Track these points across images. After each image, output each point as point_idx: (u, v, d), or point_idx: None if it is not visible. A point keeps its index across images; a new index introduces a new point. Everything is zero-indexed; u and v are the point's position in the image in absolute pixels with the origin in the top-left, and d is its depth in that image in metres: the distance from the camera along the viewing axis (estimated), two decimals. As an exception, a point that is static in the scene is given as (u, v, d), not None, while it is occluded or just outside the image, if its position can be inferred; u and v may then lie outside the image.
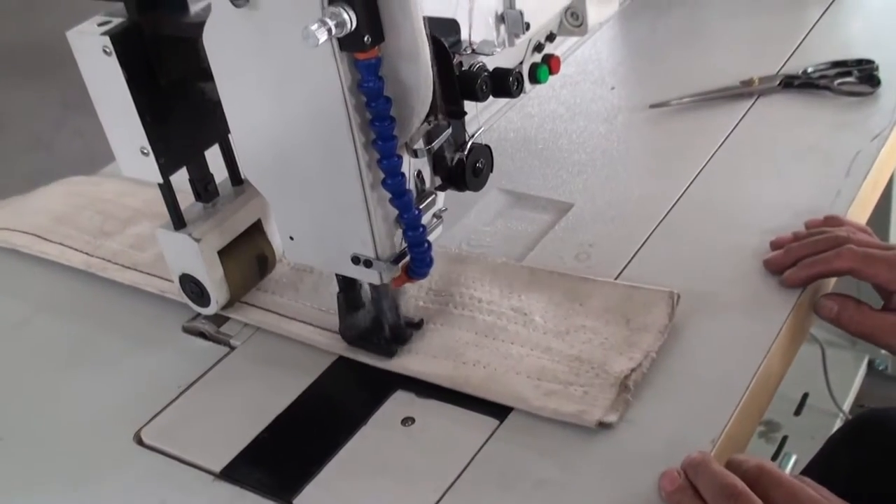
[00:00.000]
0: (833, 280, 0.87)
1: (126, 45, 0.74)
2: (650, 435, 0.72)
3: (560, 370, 0.77)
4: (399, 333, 0.81)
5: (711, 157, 1.02)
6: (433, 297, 0.86)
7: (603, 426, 0.72)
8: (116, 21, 0.74)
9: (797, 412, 1.67)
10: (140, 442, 0.78)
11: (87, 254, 0.99)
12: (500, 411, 0.75)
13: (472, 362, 0.79)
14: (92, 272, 0.97)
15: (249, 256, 0.88)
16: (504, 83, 0.75)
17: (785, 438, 1.62)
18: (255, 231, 0.88)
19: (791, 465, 1.51)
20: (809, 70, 1.12)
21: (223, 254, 0.85)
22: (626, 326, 0.80)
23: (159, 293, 0.92)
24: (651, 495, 0.67)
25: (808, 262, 0.82)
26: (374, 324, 0.81)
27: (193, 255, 0.83)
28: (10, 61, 3.21)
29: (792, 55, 1.18)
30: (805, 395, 1.67)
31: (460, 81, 0.72)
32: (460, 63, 0.74)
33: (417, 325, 0.83)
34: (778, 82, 1.11)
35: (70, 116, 2.72)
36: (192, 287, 0.86)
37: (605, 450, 0.71)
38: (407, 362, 0.80)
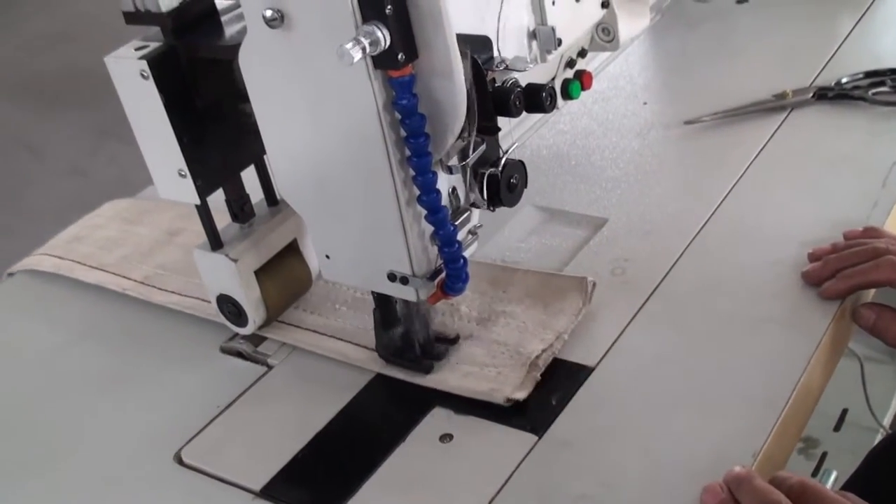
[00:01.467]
0: (872, 291, 0.86)
1: (163, 68, 0.75)
2: (691, 449, 0.71)
3: (479, 353, 0.81)
4: (430, 350, 0.82)
5: (746, 170, 1.01)
6: None
7: (510, 402, 0.76)
8: (153, 45, 0.75)
9: (836, 428, 1.64)
10: (180, 462, 0.79)
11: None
12: (538, 427, 0.75)
13: (349, 338, 0.84)
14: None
15: (286, 276, 0.88)
16: (537, 98, 0.75)
17: (825, 455, 1.60)
18: (291, 250, 0.89)
19: (832, 481, 1.49)
20: (843, 81, 1.11)
21: (260, 273, 0.86)
22: (544, 311, 0.84)
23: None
24: (693, 510, 0.66)
25: (846, 274, 0.82)
26: (406, 340, 0.82)
27: (230, 276, 0.84)
28: (48, 90, 3.27)
29: (825, 67, 1.17)
30: (844, 411, 1.65)
31: (494, 97, 0.72)
32: (493, 79, 0.74)
33: (453, 340, 0.83)
34: (811, 94, 1.11)
35: (106, 144, 2.75)
36: (230, 307, 0.86)
37: (645, 464, 0.70)
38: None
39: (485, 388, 0.78)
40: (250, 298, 0.85)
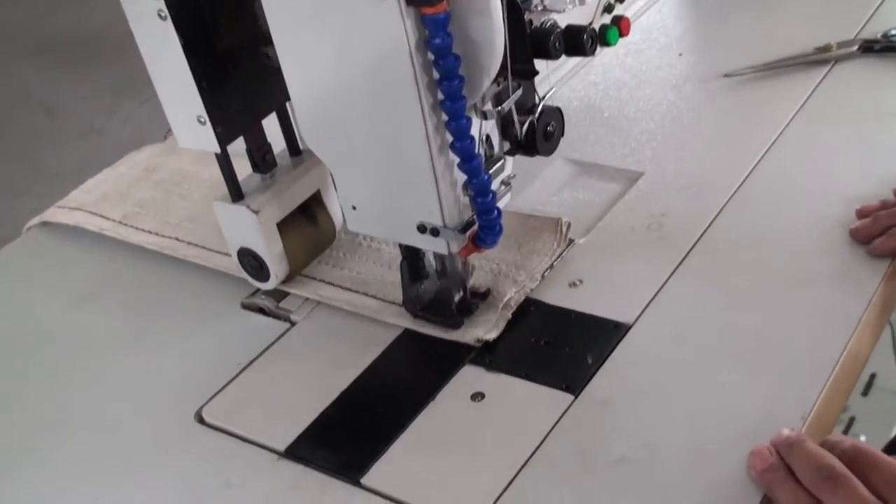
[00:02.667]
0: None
1: (181, 8, 0.71)
2: (736, 411, 0.68)
3: None
4: (465, 305, 0.78)
5: (788, 125, 0.97)
6: None
7: (480, 342, 0.76)
8: (172, -17, 0.72)
9: (865, 392, 1.61)
10: (201, 421, 0.76)
11: (173, 238, 0.96)
12: (573, 386, 0.71)
13: (375, 293, 0.82)
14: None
15: (309, 228, 0.85)
16: (578, 41, 0.71)
17: (852, 419, 1.57)
18: (315, 202, 0.85)
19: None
20: (890, 33, 1.07)
21: (282, 226, 0.82)
22: (518, 251, 0.84)
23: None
24: (741, 474, 0.63)
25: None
26: (439, 295, 0.78)
27: (252, 228, 0.81)
28: (62, 50, 3.23)
29: (870, 18, 1.12)
30: (873, 376, 1.61)
31: (532, 39, 0.68)
32: (530, 21, 0.70)
33: (484, 294, 0.80)
34: (856, 47, 1.06)
35: (121, 103, 2.72)
36: (251, 261, 0.83)
37: (687, 426, 0.67)
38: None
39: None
40: (272, 252, 0.82)
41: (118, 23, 0.74)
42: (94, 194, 1.05)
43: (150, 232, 0.97)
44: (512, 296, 0.79)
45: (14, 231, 1.08)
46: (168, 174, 1.06)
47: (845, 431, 1.54)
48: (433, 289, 0.78)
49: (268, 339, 0.82)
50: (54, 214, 1.03)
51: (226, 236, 0.84)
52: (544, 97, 0.72)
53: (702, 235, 0.85)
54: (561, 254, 0.84)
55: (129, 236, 0.97)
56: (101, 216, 1.01)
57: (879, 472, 0.60)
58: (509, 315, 0.78)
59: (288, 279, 0.85)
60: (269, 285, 0.84)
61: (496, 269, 0.82)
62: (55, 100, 2.95)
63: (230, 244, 0.84)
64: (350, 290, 0.84)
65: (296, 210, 0.84)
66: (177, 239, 0.95)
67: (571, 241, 0.86)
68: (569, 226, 0.86)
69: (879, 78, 1.02)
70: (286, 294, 0.86)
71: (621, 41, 0.85)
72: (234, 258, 0.84)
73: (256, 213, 0.80)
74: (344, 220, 0.77)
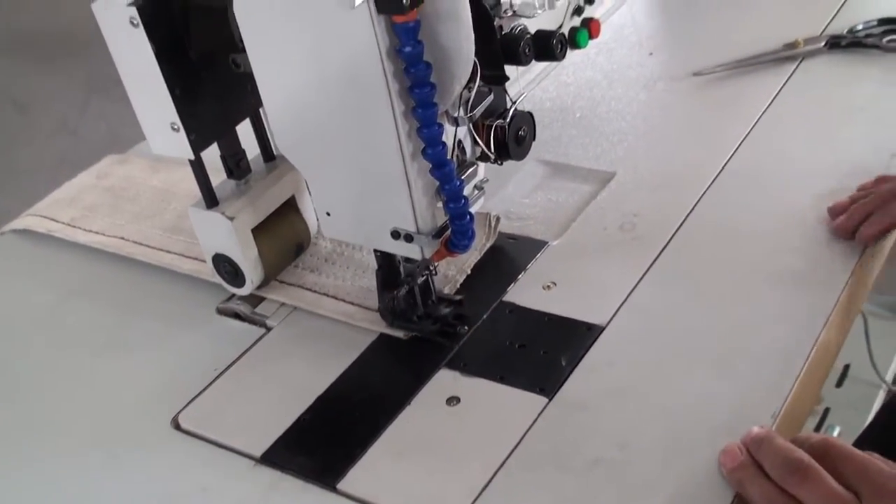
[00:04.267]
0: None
1: (154, 15, 0.71)
2: (708, 409, 0.69)
3: None
4: (433, 310, 0.79)
5: (757, 122, 0.98)
6: None
7: (409, 336, 0.79)
8: (143, -10, 0.72)
9: (839, 384, 1.63)
10: (178, 427, 0.76)
11: (119, 238, 0.97)
12: (548, 388, 0.72)
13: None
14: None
15: (284, 234, 0.85)
16: (548, 45, 0.71)
17: (827, 410, 1.58)
18: (290, 208, 0.85)
19: (835, 436, 1.47)
20: (856, 29, 1.08)
21: (257, 232, 0.83)
22: None
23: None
24: (714, 472, 0.64)
25: (875, 219, 0.81)
26: (410, 302, 0.79)
27: (227, 234, 0.81)
28: (35, 46, 3.20)
29: (836, 14, 1.14)
30: (846, 367, 1.63)
31: (502, 45, 0.69)
32: (500, 26, 0.71)
33: (458, 302, 0.80)
34: (823, 43, 1.07)
35: (94, 101, 2.70)
36: (226, 267, 0.83)
37: (661, 425, 0.68)
38: None
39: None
40: (247, 258, 0.82)
41: (90, 19, 0.73)
42: (46, 200, 1.07)
43: (96, 232, 0.98)
44: (443, 289, 0.81)
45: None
46: (117, 181, 1.08)
47: (820, 422, 1.56)
48: (406, 296, 0.78)
49: (244, 345, 0.83)
50: (31, 223, 1.03)
51: (201, 242, 0.84)
52: (515, 102, 0.73)
53: (674, 234, 0.86)
54: (489, 246, 0.87)
55: (76, 236, 0.98)
56: (51, 219, 1.02)
57: (850, 464, 0.61)
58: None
59: (263, 284, 0.85)
60: (244, 291, 0.85)
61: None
62: (27, 97, 2.92)
63: (205, 250, 0.84)
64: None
65: (270, 215, 0.84)
66: (122, 238, 0.96)
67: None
68: (497, 220, 0.88)
69: (846, 73, 1.04)
70: (262, 299, 0.86)
71: (593, 41, 0.86)
72: (210, 264, 0.85)
73: (231, 219, 0.80)
74: (318, 226, 0.78)
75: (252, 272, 0.83)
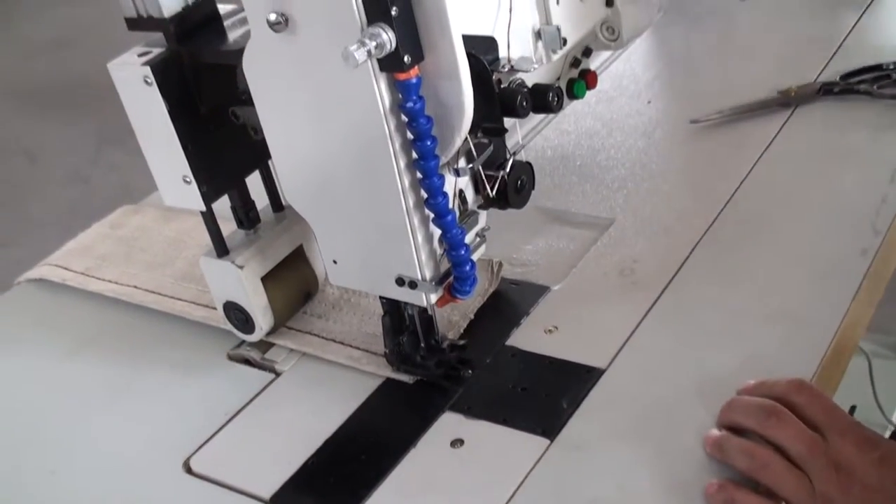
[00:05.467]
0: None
1: (166, 74, 0.74)
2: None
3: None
4: (440, 355, 0.81)
5: (752, 168, 1.01)
6: None
7: (414, 379, 0.81)
8: (156, 51, 0.75)
9: (846, 425, 1.64)
10: (189, 471, 0.78)
11: (132, 286, 1.00)
12: (549, 430, 0.74)
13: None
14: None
15: (293, 282, 0.88)
16: (544, 98, 0.74)
17: (835, 451, 1.59)
18: (298, 256, 0.88)
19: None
20: (848, 76, 1.11)
21: (267, 280, 0.85)
22: None
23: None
24: (710, 510, 0.66)
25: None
26: (414, 344, 0.81)
27: (237, 283, 0.83)
28: (48, 98, 3.26)
29: (829, 62, 1.16)
30: (853, 408, 1.64)
31: (500, 98, 0.72)
32: (499, 80, 0.74)
33: (462, 347, 0.83)
34: (816, 90, 1.10)
35: (106, 151, 2.75)
36: (237, 315, 0.86)
37: (661, 466, 0.70)
38: None
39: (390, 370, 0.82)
40: (257, 305, 0.85)
41: (101, 72, 0.76)
42: (61, 250, 1.09)
43: (109, 281, 1.01)
44: (447, 335, 0.83)
45: (1, 280, 1.11)
46: (131, 230, 1.10)
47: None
48: (412, 341, 0.80)
49: (254, 390, 0.85)
50: (48, 273, 1.06)
51: (212, 290, 0.86)
52: (515, 153, 0.75)
53: (672, 279, 0.88)
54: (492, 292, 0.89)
55: (89, 285, 1.01)
56: (66, 268, 1.05)
57: (818, 404, 0.68)
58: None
59: (273, 331, 0.88)
60: (254, 337, 0.87)
61: (431, 309, 0.83)
62: (38, 147, 2.97)
63: (216, 298, 0.87)
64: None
65: (280, 264, 0.86)
66: (135, 287, 0.99)
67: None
68: (500, 265, 0.90)
69: (839, 120, 1.06)
70: (271, 345, 0.88)
71: (593, 90, 0.89)
72: (220, 311, 0.87)
73: (241, 268, 0.83)
74: (326, 274, 0.80)
75: (262, 319, 0.85)
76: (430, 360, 0.81)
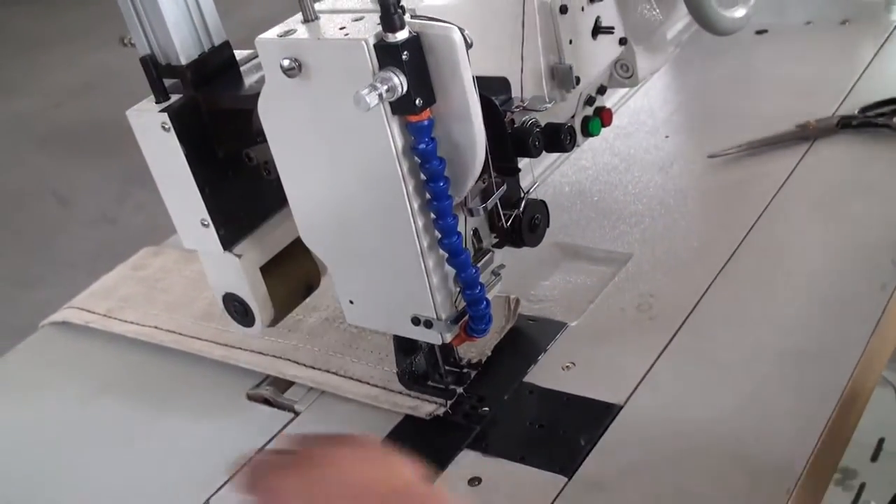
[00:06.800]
0: None
1: (183, 120, 0.75)
2: (725, 487, 0.70)
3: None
4: (458, 375, 0.82)
5: (770, 202, 1.01)
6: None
7: (431, 416, 0.81)
8: (174, 98, 0.76)
9: (874, 458, 1.61)
10: (209, 511, 0.79)
11: (153, 327, 1.01)
12: (566, 468, 0.74)
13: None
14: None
15: (294, 273, 0.86)
16: (557, 138, 0.75)
17: (863, 486, 1.57)
18: (299, 247, 0.85)
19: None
20: (866, 109, 1.11)
21: (266, 270, 0.83)
22: None
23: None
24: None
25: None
26: (431, 367, 0.82)
27: (235, 273, 0.81)
28: (75, 141, 3.31)
29: (847, 96, 1.16)
30: (881, 441, 1.62)
31: (513, 138, 0.72)
32: (512, 120, 0.74)
33: (476, 365, 0.83)
34: (835, 123, 1.10)
35: (132, 191, 2.78)
36: (236, 306, 0.84)
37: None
38: None
39: (410, 403, 0.83)
40: (256, 296, 0.83)
41: (125, 114, 0.77)
42: (85, 293, 1.11)
43: (131, 322, 1.02)
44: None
45: (29, 321, 1.12)
46: (152, 272, 1.12)
47: (856, 497, 1.54)
48: (425, 361, 0.81)
49: (273, 429, 0.85)
50: (72, 315, 1.07)
51: (211, 283, 0.85)
52: (528, 191, 0.76)
53: (689, 314, 0.88)
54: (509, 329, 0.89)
55: (111, 327, 1.02)
56: (88, 311, 1.06)
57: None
58: (460, 390, 0.83)
59: (273, 324, 0.85)
60: (254, 330, 0.85)
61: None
62: (67, 189, 3.01)
63: (215, 290, 0.85)
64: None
65: (280, 255, 0.84)
66: (156, 327, 1.00)
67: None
68: (517, 302, 0.90)
69: (857, 153, 1.06)
70: (290, 384, 0.89)
71: (609, 127, 0.89)
72: (219, 304, 0.85)
73: (239, 257, 0.81)
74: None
75: (261, 311, 0.83)
76: (448, 378, 0.82)
